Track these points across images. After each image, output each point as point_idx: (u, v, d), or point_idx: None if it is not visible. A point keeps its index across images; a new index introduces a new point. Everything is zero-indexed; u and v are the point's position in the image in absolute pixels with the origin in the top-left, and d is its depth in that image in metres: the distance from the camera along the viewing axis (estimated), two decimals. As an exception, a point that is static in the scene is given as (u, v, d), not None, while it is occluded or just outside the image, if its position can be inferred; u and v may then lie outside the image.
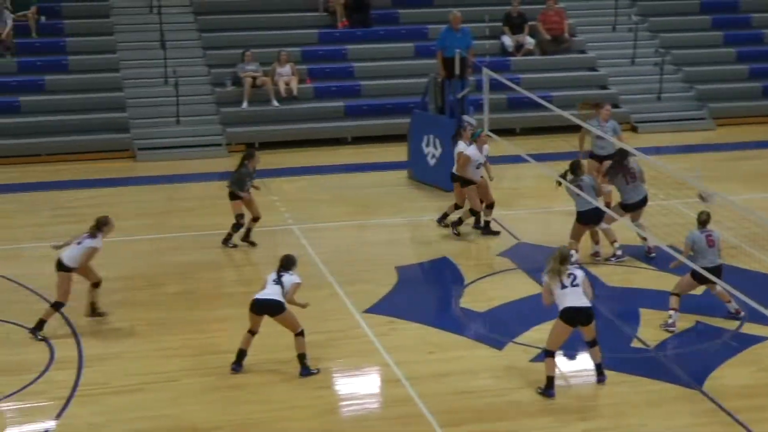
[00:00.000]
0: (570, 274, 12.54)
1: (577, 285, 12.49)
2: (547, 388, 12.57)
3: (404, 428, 11.96)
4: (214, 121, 23.74)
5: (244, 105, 23.85)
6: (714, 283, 14.13)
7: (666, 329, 14.19)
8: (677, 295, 14.30)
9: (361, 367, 13.45)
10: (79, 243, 14.23)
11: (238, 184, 17.07)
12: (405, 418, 12.14)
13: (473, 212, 17.84)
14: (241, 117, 23.62)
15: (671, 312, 14.25)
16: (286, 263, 13.19)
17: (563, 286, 12.48)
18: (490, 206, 17.94)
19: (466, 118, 19.88)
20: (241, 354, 13.15)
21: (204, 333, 14.30)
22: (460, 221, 17.81)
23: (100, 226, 14.35)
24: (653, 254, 16.75)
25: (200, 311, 14.99)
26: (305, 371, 13.03)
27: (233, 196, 17.16)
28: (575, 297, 12.46)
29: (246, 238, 17.34)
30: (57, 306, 14.17)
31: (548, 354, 12.63)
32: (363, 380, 13.22)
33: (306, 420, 12.13)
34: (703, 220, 14.28)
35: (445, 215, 18.16)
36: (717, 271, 14.14)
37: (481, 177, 17.81)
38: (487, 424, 11.98)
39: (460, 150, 17.70)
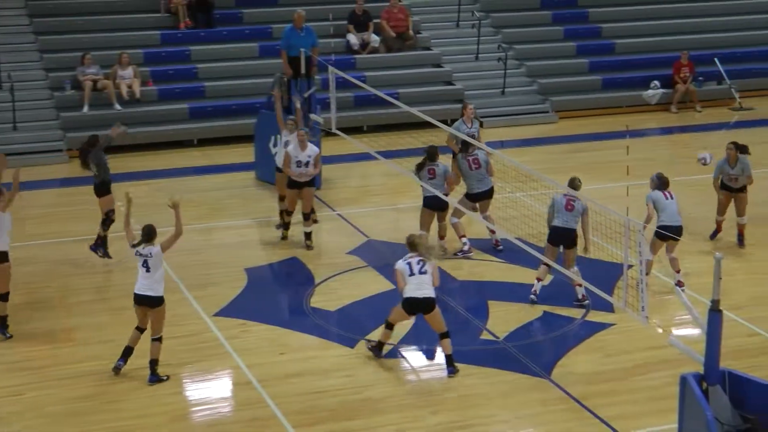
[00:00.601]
0: (420, 261, 12.91)
1: (424, 272, 12.87)
2: (376, 349, 13.30)
3: (257, 431, 11.85)
4: (53, 126, 23.13)
5: (85, 109, 23.31)
6: (566, 248, 14.68)
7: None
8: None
9: (213, 371, 13.27)
10: None
11: (105, 171, 16.31)
12: (258, 420, 12.03)
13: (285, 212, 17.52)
14: (82, 121, 23.06)
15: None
16: (148, 235, 12.85)
17: (411, 273, 12.88)
18: (307, 216, 17.23)
19: (312, 116, 19.86)
20: (127, 351, 12.98)
21: (49, 344, 13.91)
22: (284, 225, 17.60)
23: None
24: (500, 247, 16.97)
25: (45, 322, 14.57)
26: (153, 378, 12.79)
27: (103, 190, 16.37)
28: (417, 287, 12.85)
29: (105, 247, 16.57)
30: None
31: (387, 325, 13.20)
32: (214, 384, 13.04)
33: (157, 428, 11.92)
34: (572, 185, 14.74)
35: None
36: (568, 233, 14.65)
37: (306, 183, 17.08)
38: (340, 423, 11.95)
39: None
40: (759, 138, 22.29)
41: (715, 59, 27.25)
